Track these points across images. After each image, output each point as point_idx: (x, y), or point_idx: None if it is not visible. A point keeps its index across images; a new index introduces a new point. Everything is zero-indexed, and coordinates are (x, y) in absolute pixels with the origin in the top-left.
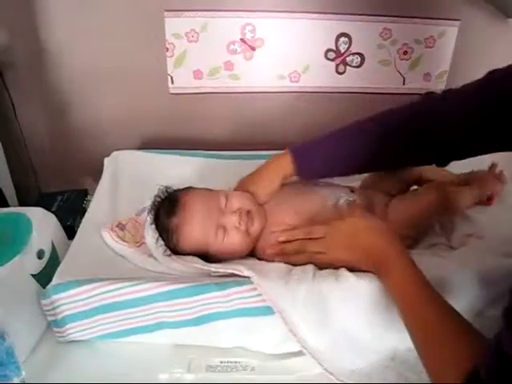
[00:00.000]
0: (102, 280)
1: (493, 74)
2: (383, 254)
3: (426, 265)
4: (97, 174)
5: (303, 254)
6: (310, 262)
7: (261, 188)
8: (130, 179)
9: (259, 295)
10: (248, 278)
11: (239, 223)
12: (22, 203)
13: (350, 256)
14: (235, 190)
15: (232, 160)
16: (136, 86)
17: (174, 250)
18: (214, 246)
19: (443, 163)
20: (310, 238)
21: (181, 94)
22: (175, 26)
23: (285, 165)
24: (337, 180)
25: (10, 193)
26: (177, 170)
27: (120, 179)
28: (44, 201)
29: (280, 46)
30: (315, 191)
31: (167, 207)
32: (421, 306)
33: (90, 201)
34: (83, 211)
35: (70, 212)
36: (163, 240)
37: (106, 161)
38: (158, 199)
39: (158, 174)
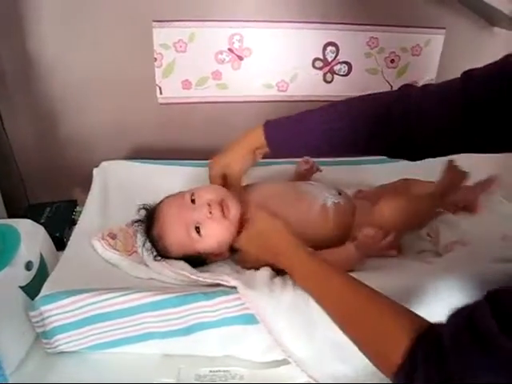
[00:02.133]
0: (89, 291)
1: (470, 74)
2: (283, 253)
3: (415, 271)
4: (86, 184)
5: None
6: None
7: (233, 160)
8: (120, 189)
9: (243, 304)
10: (234, 287)
11: (210, 212)
12: (10, 215)
13: (261, 255)
14: (209, 165)
15: None
16: (125, 96)
17: (168, 257)
18: (199, 245)
19: (415, 159)
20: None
21: (169, 103)
22: (163, 36)
23: (257, 137)
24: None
25: None
26: (166, 179)
27: (110, 190)
28: (33, 212)
29: (268, 55)
30: (303, 191)
31: (147, 222)
32: (338, 294)
33: (79, 211)
34: (72, 222)
35: (59, 223)
36: (158, 252)
37: (95, 171)
38: (140, 217)
39: (148, 184)
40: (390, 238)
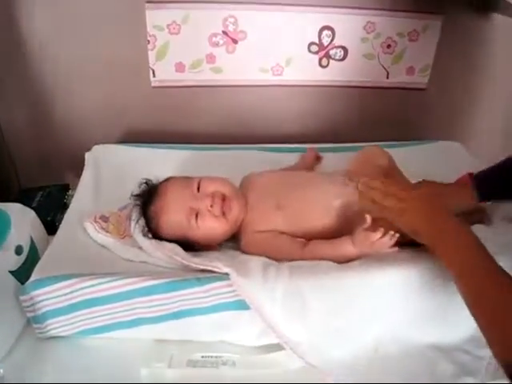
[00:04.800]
0: (80, 276)
1: None
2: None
3: None
4: (78, 168)
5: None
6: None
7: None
8: (112, 173)
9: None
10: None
11: (211, 206)
12: (1, 200)
13: (423, 226)
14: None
15: (214, 152)
16: (117, 79)
17: (158, 237)
18: (191, 232)
19: None
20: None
21: (162, 87)
22: (156, 17)
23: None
24: None
25: None
26: (159, 163)
27: (102, 173)
28: (24, 197)
29: (263, 38)
30: (313, 187)
31: (147, 197)
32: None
33: (71, 195)
34: (65, 206)
35: (51, 207)
36: (149, 229)
37: (87, 155)
38: (140, 190)
39: (140, 168)
40: (386, 239)
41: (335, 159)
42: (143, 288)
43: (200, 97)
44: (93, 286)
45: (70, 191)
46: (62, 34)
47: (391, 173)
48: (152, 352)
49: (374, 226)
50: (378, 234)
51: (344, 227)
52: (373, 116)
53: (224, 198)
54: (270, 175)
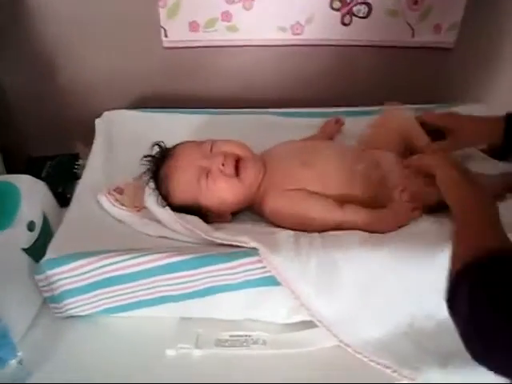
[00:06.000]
0: (99, 253)
1: None
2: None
3: None
4: (88, 136)
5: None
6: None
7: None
8: (125, 141)
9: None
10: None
11: (222, 165)
12: (9, 169)
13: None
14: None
15: (230, 116)
16: (126, 39)
17: (172, 206)
18: (202, 196)
19: None
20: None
21: (175, 47)
22: None
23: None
24: None
25: None
26: (173, 129)
27: (114, 141)
28: (33, 166)
29: None
30: (330, 152)
31: (158, 159)
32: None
33: (82, 165)
34: (75, 177)
35: (61, 178)
36: (160, 193)
37: (97, 122)
38: (153, 153)
39: (154, 135)
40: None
41: (354, 123)
42: (168, 264)
43: (215, 58)
44: (113, 263)
45: (80, 161)
46: None
47: (410, 135)
48: (177, 332)
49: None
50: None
51: (368, 195)
52: (396, 77)
53: (238, 159)
54: (289, 143)
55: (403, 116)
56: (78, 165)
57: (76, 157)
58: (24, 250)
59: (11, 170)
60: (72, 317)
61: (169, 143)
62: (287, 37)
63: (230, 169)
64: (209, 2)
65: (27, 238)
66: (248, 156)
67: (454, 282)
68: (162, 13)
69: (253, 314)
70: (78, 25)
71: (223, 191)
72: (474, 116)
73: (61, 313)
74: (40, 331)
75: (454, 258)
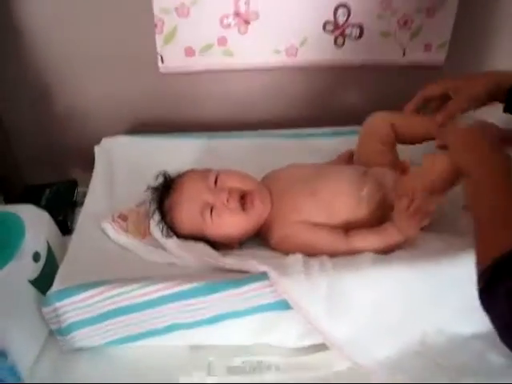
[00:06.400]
0: (107, 283)
1: None
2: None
3: None
4: (85, 162)
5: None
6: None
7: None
8: (125, 167)
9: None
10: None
11: (227, 201)
12: (6, 197)
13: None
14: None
15: (229, 140)
16: (123, 66)
17: (175, 232)
18: (207, 229)
19: None
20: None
21: (172, 73)
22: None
23: None
24: None
25: None
26: (172, 153)
27: (114, 168)
28: (31, 194)
29: (276, 18)
30: (335, 178)
31: (163, 190)
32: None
33: (81, 192)
34: (74, 204)
35: (61, 206)
36: (165, 224)
37: (97, 149)
38: (157, 184)
39: (154, 160)
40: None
41: (349, 142)
42: (178, 292)
43: (211, 82)
44: (122, 293)
45: (80, 187)
46: (63, 18)
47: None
48: (188, 359)
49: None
50: (416, 202)
51: (373, 217)
52: (388, 95)
53: (244, 194)
54: (293, 168)
55: (382, 119)
56: (78, 192)
57: (74, 184)
58: (30, 281)
59: (8, 198)
60: (79, 349)
61: (168, 168)
62: (282, 59)
63: (235, 204)
64: (204, 27)
65: (33, 270)
66: (254, 189)
67: (489, 274)
68: (159, 39)
69: (264, 339)
70: (75, 52)
71: (229, 226)
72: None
73: (68, 345)
74: (47, 364)
75: (484, 250)
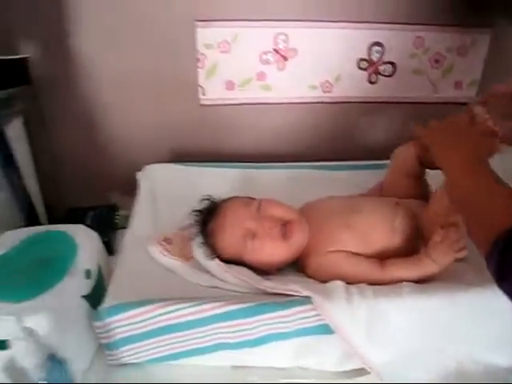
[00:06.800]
0: (158, 302)
1: None
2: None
3: None
4: (125, 187)
5: None
6: None
7: None
8: (165, 192)
9: (319, 314)
10: (307, 297)
11: (269, 228)
12: (50, 219)
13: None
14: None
15: (267, 170)
16: (166, 97)
17: (217, 255)
18: (247, 255)
19: None
20: None
21: (212, 105)
22: (206, 36)
23: None
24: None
25: (40, 209)
26: (212, 183)
27: (156, 193)
28: (74, 216)
29: (313, 55)
30: (370, 210)
31: (207, 213)
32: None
33: (122, 216)
34: (115, 227)
35: (104, 228)
36: (208, 247)
37: (139, 175)
38: (202, 208)
39: (194, 188)
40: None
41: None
42: (225, 313)
43: (249, 114)
44: (170, 312)
45: (120, 211)
46: (111, 50)
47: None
48: (230, 379)
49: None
50: (451, 235)
51: (407, 245)
52: None
53: (285, 223)
54: (330, 200)
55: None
56: (118, 215)
57: (115, 207)
58: (83, 296)
59: (52, 220)
60: (125, 364)
61: (214, 195)
62: (317, 94)
63: (276, 233)
64: (245, 63)
65: (85, 286)
66: (295, 219)
67: (498, 258)
68: (201, 73)
69: (304, 362)
70: (123, 83)
71: (270, 253)
72: None
73: (115, 360)
74: (93, 377)
75: (481, 235)
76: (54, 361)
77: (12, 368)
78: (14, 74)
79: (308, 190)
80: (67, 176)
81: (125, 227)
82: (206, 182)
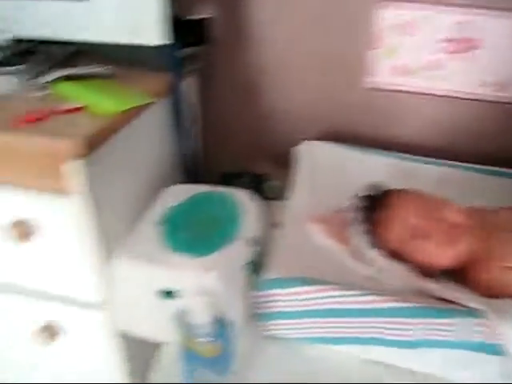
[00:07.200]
0: (321, 283)
1: None
2: None
3: None
4: (276, 159)
5: None
6: None
7: None
8: (322, 171)
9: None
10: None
11: (439, 230)
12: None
13: None
14: None
15: (427, 165)
16: (331, 76)
17: (379, 246)
18: (412, 252)
19: None
20: None
21: (378, 89)
22: (387, 17)
23: None
24: None
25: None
26: (365, 167)
27: (314, 170)
28: (226, 181)
29: (499, 48)
30: None
31: (375, 202)
32: None
33: (271, 187)
34: (266, 196)
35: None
36: (371, 236)
37: (298, 150)
38: (370, 194)
39: (347, 169)
40: None
41: None
42: (389, 309)
43: (414, 103)
44: (333, 296)
45: (272, 181)
46: (284, 23)
47: None
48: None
49: None
50: None
51: None
52: None
53: (458, 227)
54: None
55: None
56: (269, 185)
57: (265, 176)
58: (246, 264)
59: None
60: (272, 338)
61: (361, 181)
62: (489, 92)
63: (449, 238)
64: (422, 49)
65: (249, 253)
66: (468, 225)
67: None
68: (373, 54)
69: (457, 376)
70: (290, 55)
71: (435, 254)
72: None
73: (266, 331)
74: (243, 347)
75: None
76: (222, 322)
77: (181, 320)
78: (198, 33)
79: (457, 192)
80: (223, 139)
81: (274, 198)
82: (361, 167)
